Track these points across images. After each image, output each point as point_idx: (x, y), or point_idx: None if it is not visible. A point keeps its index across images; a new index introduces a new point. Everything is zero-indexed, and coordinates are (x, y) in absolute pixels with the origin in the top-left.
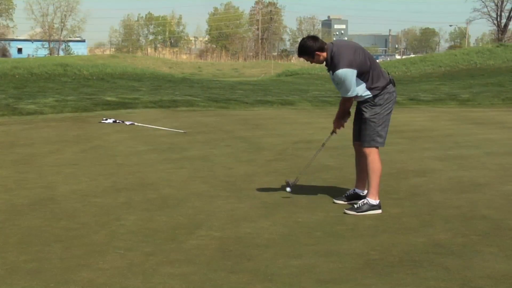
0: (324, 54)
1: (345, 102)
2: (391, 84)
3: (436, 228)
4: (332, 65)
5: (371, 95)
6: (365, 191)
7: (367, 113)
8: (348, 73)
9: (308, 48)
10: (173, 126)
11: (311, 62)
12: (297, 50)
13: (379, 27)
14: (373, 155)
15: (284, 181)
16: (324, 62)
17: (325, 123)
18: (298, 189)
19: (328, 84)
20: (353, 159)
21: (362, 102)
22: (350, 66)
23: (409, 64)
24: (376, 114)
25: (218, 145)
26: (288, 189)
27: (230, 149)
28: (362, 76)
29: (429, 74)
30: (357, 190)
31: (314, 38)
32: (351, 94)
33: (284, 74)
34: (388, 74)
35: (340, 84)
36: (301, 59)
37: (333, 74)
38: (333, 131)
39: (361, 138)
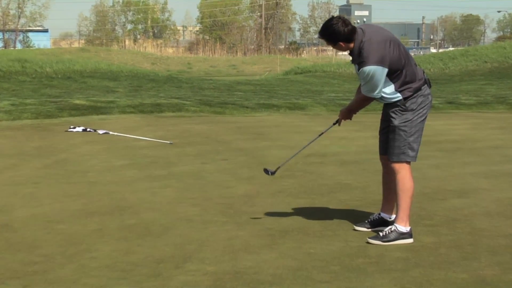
0: (351, 45)
1: (364, 100)
2: (426, 85)
3: (481, 261)
4: (359, 59)
5: (401, 98)
6: (393, 216)
7: (397, 119)
8: (377, 72)
9: (335, 34)
10: (156, 135)
11: (331, 47)
12: (320, 29)
13: (409, 13)
14: (403, 171)
15: (263, 169)
16: (348, 51)
17: (343, 131)
18: (310, 214)
19: (348, 83)
20: (379, 177)
21: (390, 106)
22: (380, 63)
23: (447, 59)
24: (407, 121)
25: (212, 159)
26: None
27: (226, 164)
28: (393, 74)
29: (472, 72)
30: (383, 215)
31: (346, 23)
32: (375, 95)
33: (293, 72)
34: (423, 73)
35: (364, 81)
36: (321, 40)
37: (358, 69)
38: (338, 121)
39: (388, 150)
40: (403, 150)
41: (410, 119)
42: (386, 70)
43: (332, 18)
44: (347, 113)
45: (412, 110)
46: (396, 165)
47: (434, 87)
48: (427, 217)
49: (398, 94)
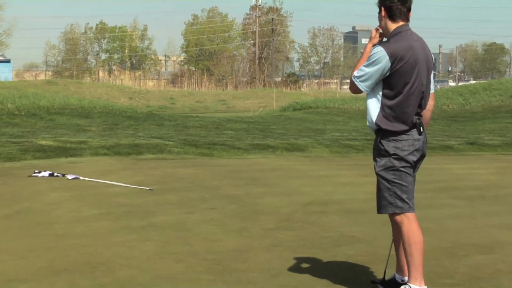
0: (390, 26)
1: (351, 83)
2: (414, 130)
3: None
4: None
5: (374, 125)
6: (406, 278)
7: (376, 166)
8: (379, 54)
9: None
10: (134, 181)
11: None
12: None
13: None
14: (406, 223)
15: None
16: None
17: (348, 176)
18: (311, 271)
19: (354, 121)
20: (389, 228)
21: (375, 144)
22: (390, 52)
23: (468, 93)
24: (386, 168)
25: (197, 208)
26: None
27: (215, 214)
28: (387, 88)
29: (497, 108)
30: (397, 276)
31: (404, 2)
32: (358, 83)
33: (291, 108)
34: (418, 117)
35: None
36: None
37: None
38: None
39: (376, 202)
40: (390, 200)
41: (390, 166)
42: (389, 64)
43: None
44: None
45: (391, 155)
46: (395, 218)
47: (452, 125)
48: (447, 276)
49: (376, 123)
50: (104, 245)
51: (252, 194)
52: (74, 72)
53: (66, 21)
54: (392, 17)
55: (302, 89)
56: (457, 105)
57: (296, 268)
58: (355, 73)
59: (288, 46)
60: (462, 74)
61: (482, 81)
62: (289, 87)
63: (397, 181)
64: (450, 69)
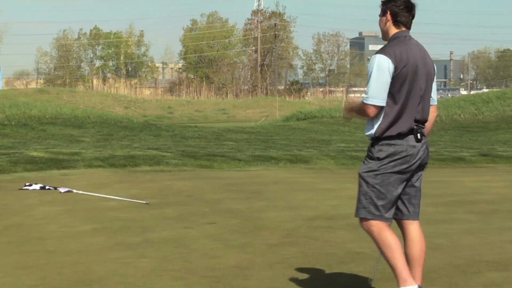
0: (390, 31)
1: (362, 110)
2: (411, 136)
3: None
4: None
5: (373, 134)
6: None
7: (362, 167)
8: (380, 61)
9: (382, 1)
10: (130, 194)
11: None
12: None
13: (435, 48)
14: (376, 230)
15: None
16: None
17: (355, 190)
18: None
19: (360, 131)
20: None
21: (372, 141)
22: (389, 55)
23: (481, 102)
24: (370, 171)
25: (196, 223)
26: None
27: (214, 229)
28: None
29: (511, 118)
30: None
31: (410, 7)
32: (371, 100)
33: (294, 118)
34: (417, 124)
35: (368, 78)
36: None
37: None
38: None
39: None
40: (365, 205)
41: (374, 170)
42: (392, 66)
43: None
44: (348, 109)
45: (378, 159)
46: (363, 224)
47: (464, 136)
48: None
49: (373, 129)
50: (98, 262)
51: (254, 208)
52: (67, 80)
53: (59, 27)
54: (396, 23)
55: (306, 98)
56: (469, 115)
57: (300, 286)
58: (365, 96)
59: (291, 53)
60: (475, 82)
61: (496, 90)
62: (292, 95)
63: (376, 186)
64: (461, 76)
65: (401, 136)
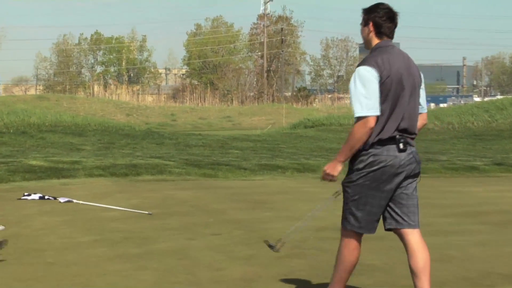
0: (372, 41)
1: (355, 131)
2: (393, 146)
3: None
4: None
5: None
6: None
7: (344, 177)
8: (365, 73)
9: (364, 11)
10: (131, 204)
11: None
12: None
13: (447, 53)
14: (345, 240)
15: (265, 242)
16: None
17: None
18: None
19: None
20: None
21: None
22: (372, 65)
23: (495, 109)
24: (349, 181)
25: (200, 234)
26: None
27: (219, 240)
28: None
29: None
30: None
31: (391, 17)
32: (368, 111)
33: (302, 125)
34: (400, 134)
35: (351, 93)
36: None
37: None
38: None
39: None
40: (345, 214)
41: (353, 181)
42: (376, 74)
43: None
44: (332, 166)
45: (357, 170)
46: (341, 232)
47: (477, 144)
48: None
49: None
50: (98, 274)
51: (260, 218)
52: (67, 86)
53: (59, 31)
54: (379, 34)
55: (314, 105)
56: (482, 122)
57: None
58: (358, 111)
59: (298, 58)
60: (488, 88)
61: (510, 96)
62: (300, 102)
63: (355, 197)
64: (475, 83)
65: (381, 142)
